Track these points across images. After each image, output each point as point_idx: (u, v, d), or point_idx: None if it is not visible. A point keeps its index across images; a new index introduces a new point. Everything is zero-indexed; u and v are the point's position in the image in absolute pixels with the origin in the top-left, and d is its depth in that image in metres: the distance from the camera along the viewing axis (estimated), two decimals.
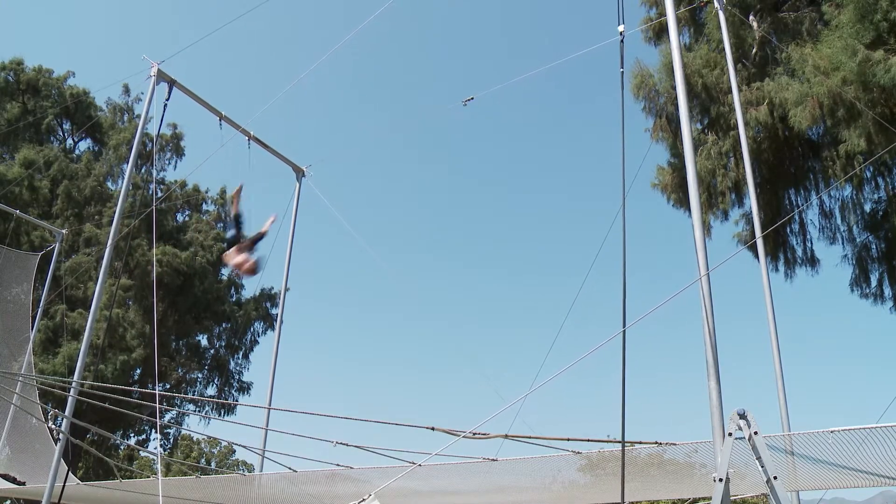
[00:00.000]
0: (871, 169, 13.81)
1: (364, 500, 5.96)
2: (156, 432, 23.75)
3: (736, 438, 4.75)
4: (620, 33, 6.41)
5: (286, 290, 13.52)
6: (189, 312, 24.76)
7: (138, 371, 23.29)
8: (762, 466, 4.65)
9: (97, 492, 11.34)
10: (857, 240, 14.64)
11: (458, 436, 5.74)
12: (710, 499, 4.78)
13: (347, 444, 6.64)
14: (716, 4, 10.32)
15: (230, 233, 9.15)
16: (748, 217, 14.76)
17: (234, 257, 8.74)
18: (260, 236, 8.91)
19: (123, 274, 21.83)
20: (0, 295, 14.61)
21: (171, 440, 28.46)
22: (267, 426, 10.26)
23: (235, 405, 26.18)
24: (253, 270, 8.78)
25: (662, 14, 13.38)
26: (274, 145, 12.35)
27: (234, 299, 26.69)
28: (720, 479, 4.61)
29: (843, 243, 14.84)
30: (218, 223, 27.01)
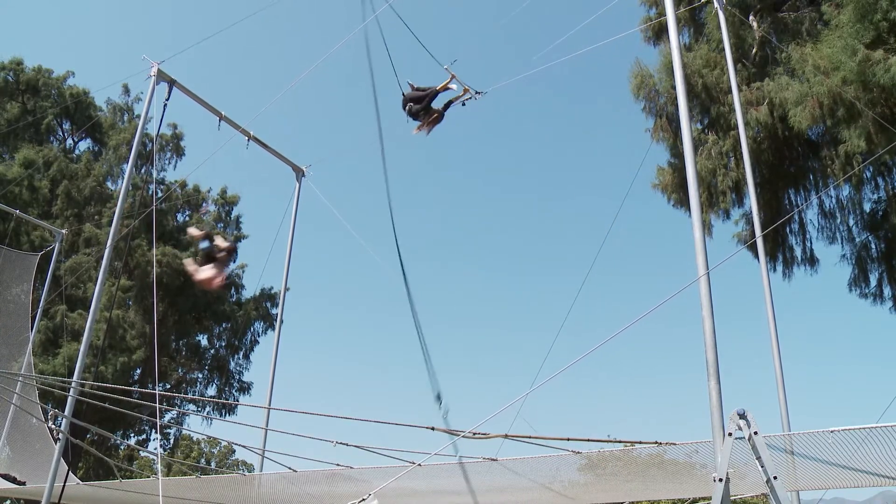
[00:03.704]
0: (871, 169, 13.82)
1: (364, 499, 5.96)
2: (156, 432, 23.73)
3: (736, 438, 4.76)
4: None
5: (286, 290, 13.53)
6: (189, 312, 24.74)
7: (138, 371, 23.27)
8: (762, 466, 4.65)
9: (97, 492, 11.34)
10: (857, 239, 14.65)
11: (458, 435, 5.75)
12: (710, 499, 4.78)
13: (347, 444, 6.65)
14: (716, 4, 10.33)
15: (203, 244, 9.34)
16: (748, 217, 14.75)
17: (204, 271, 8.88)
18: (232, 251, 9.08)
19: (123, 274, 21.81)
20: (0, 295, 14.60)
21: (172, 440, 28.46)
22: (267, 426, 10.27)
23: (236, 405, 26.19)
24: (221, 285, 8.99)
25: (662, 14, 13.38)
26: (274, 145, 12.37)
27: (234, 299, 26.65)
28: (720, 479, 4.61)
29: (842, 243, 14.85)
30: (218, 223, 27.00)
